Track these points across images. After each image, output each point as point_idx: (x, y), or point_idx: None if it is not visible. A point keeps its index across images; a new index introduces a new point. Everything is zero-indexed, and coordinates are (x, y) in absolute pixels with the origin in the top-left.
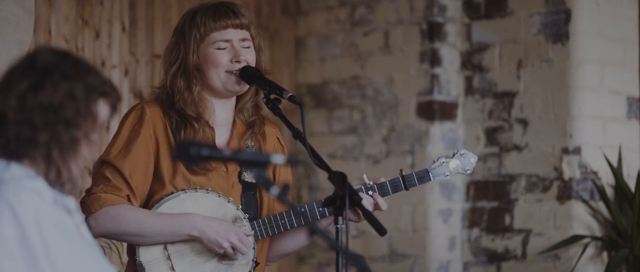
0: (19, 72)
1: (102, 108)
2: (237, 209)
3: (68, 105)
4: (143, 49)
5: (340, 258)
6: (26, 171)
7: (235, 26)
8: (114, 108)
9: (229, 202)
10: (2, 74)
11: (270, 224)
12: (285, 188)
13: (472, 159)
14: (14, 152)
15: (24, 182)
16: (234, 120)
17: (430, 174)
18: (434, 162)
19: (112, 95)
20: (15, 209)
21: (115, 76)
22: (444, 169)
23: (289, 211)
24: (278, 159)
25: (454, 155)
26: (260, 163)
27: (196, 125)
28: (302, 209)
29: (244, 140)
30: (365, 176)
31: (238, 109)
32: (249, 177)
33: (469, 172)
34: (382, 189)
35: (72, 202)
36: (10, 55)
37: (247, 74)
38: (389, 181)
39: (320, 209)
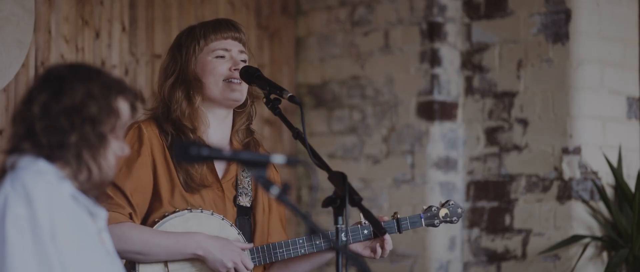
0: (37, 88)
1: (123, 105)
2: (239, 233)
3: (89, 103)
4: (143, 49)
5: (340, 258)
6: (53, 169)
7: (235, 38)
8: (133, 107)
9: (231, 226)
10: (21, 99)
11: (268, 252)
12: (285, 188)
13: (459, 209)
14: (47, 156)
15: (46, 176)
16: (231, 141)
17: (422, 219)
18: (425, 209)
19: (129, 93)
20: (29, 191)
21: None
22: (433, 217)
23: (287, 242)
24: (278, 159)
25: (443, 205)
26: (260, 163)
27: (192, 136)
28: (303, 212)
29: None
30: (361, 216)
31: (234, 130)
32: (244, 201)
33: (455, 221)
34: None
35: (101, 212)
36: (11, 56)
37: (247, 74)
38: (382, 223)
39: (318, 242)
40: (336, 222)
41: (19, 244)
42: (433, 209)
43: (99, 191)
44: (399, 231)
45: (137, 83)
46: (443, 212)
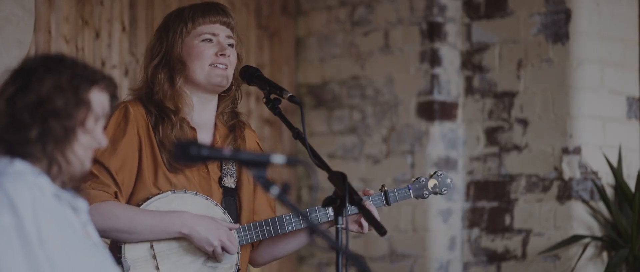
0: (9, 80)
1: (97, 96)
2: (224, 213)
3: (55, 97)
4: (143, 49)
5: (340, 258)
6: (29, 167)
7: (223, 23)
8: (113, 96)
9: (216, 205)
10: None
11: (255, 230)
12: (285, 188)
13: (448, 180)
14: (16, 153)
15: (25, 176)
16: (216, 124)
17: (410, 191)
18: (413, 180)
19: (104, 82)
20: (12, 198)
21: (115, 76)
22: (422, 188)
23: (273, 219)
24: (278, 159)
25: (431, 175)
26: (260, 163)
27: (174, 118)
28: (303, 211)
29: (227, 143)
30: None
31: (219, 113)
32: (229, 182)
33: (445, 192)
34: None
35: (82, 204)
36: (11, 56)
37: (247, 74)
38: (370, 197)
39: (313, 214)
40: (336, 222)
41: (8, 254)
42: (421, 180)
43: (74, 185)
44: (387, 203)
45: (136, 83)
46: (432, 183)
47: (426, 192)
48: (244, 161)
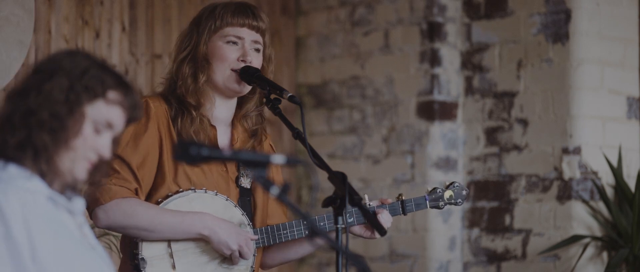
0: (26, 77)
1: (100, 109)
2: (242, 214)
3: (44, 108)
4: (143, 49)
5: (340, 258)
6: (22, 172)
7: (251, 27)
8: (129, 108)
9: (235, 207)
10: None
11: (271, 233)
12: (285, 188)
13: (464, 191)
14: (6, 155)
15: (17, 181)
16: (233, 123)
17: (427, 201)
18: (429, 190)
19: (115, 92)
20: (1, 205)
21: None
22: (438, 199)
23: (291, 222)
24: (278, 159)
25: (448, 186)
26: (260, 163)
27: (194, 113)
28: (304, 213)
29: (247, 148)
30: (366, 197)
31: (242, 114)
32: (245, 182)
33: (460, 203)
34: None
35: (79, 205)
36: (10, 56)
37: (246, 74)
38: (387, 205)
39: (322, 223)
40: (336, 222)
41: None
42: (438, 190)
43: (70, 191)
44: (404, 212)
45: (137, 83)
46: (448, 194)
47: (442, 203)
48: (244, 161)
